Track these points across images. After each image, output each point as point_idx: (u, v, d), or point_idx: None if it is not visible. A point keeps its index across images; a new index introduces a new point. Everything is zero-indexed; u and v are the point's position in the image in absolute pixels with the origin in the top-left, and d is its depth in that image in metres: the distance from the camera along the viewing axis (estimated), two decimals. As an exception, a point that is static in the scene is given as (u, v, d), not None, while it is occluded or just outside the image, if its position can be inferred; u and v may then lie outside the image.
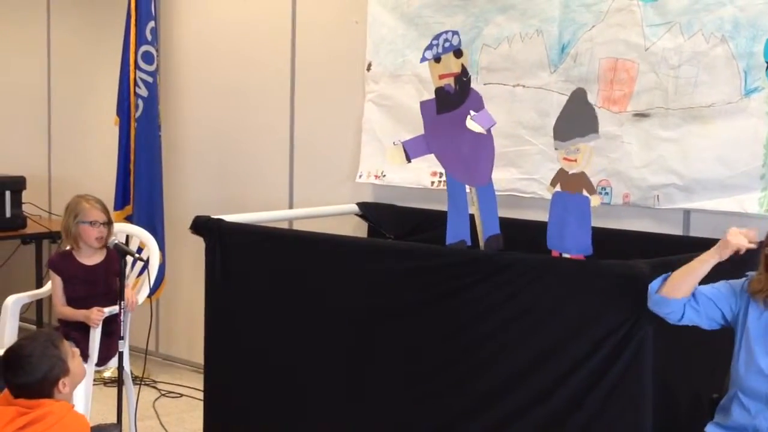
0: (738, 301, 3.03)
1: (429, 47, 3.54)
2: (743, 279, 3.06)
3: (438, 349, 3.53)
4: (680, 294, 2.97)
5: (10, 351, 3.16)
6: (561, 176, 3.32)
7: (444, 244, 3.73)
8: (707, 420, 3.17)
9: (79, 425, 3.09)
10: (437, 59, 3.53)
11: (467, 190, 3.73)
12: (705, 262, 2.96)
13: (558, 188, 3.33)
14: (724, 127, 3.97)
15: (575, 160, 3.29)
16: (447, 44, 3.51)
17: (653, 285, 3.01)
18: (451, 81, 3.50)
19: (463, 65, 3.51)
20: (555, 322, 3.24)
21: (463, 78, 3.49)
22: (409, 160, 3.75)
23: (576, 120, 3.30)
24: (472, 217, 3.79)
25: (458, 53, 3.50)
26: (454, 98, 3.51)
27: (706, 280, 3.02)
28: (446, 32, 3.55)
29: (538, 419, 3.28)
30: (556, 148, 3.36)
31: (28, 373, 3.03)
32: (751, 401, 3.00)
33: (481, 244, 3.76)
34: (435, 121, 3.57)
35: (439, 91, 3.53)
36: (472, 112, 3.46)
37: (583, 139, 3.27)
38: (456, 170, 3.57)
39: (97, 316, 4.36)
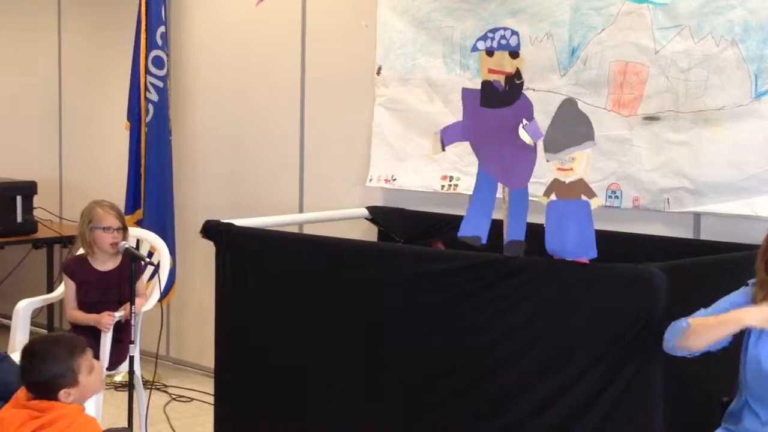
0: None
1: (483, 38, 3.44)
2: (745, 288, 3.04)
3: (447, 354, 3.53)
4: (701, 347, 2.91)
5: (26, 345, 3.21)
6: (556, 186, 3.29)
7: (453, 248, 3.71)
8: (719, 423, 3.16)
9: (90, 428, 3.10)
10: (490, 53, 3.45)
11: (499, 190, 3.62)
12: (736, 327, 2.86)
13: (553, 197, 3.29)
14: (734, 130, 3.97)
15: (571, 169, 3.26)
16: (503, 42, 3.41)
17: (671, 342, 2.93)
18: (501, 78, 3.41)
19: (518, 68, 3.43)
20: (565, 325, 3.24)
21: (515, 80, 3.41)
22: (443, 148, 3.66)
23: (569, 130, 3.27)
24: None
25: (514, 54, 3.42)
26: (502, 96, 3.42)
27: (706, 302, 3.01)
28: (504, 29, 3.43)
29: (549, 421, 3.27)
30: (547, 160, 3.32)
31: (37, 371, 3.05)
32: (760, 407, 3.00)
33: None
34: (477, 112, 3.49)
35: (486, 85, 3.42)
36: (524, 121, 3.37)
37: (578, 148, 3.24)
38: (491, 165, 3.49)
39: (107, 320, 4.37)
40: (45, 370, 3.05)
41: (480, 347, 3.43)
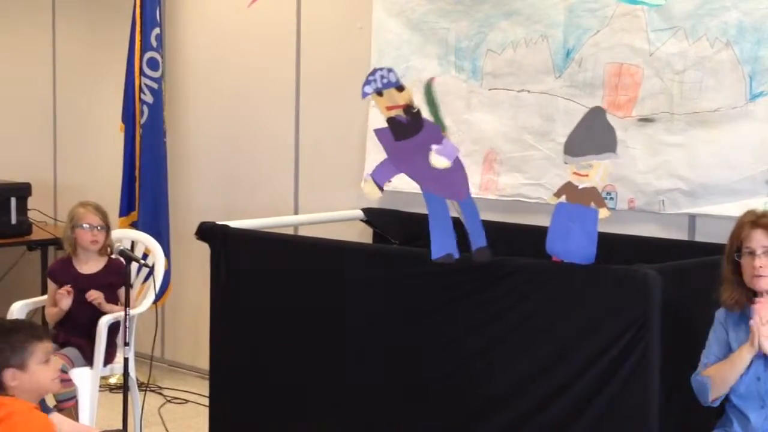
0: (726, 324, 3.12)
1: (367, 83, 3.48)
2: (717, 317, 3.16)
3: (444, 354, 3.53)
4: (728, 387, 3.05)
5: None
6: (568, 188, 3.28)
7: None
8: (713, 424, 3.17)
9: (42, 425, 3.03)
10: (379, 93, 3.49)
11: (449, 203, 3.65)
12: (746, 355, 3.01)
13: (563, 200, 3.30)
14: (729, 132, 3.97)
15: (586, 175, 3.26)
16: (385, 80, 3.46)
17: (705, 399, 3.08)
18: (400, 112, 3.47)
19: (407, 101, 3.47)
20: (561, 327, 3.24)
21: (411, 110, 3.46)
22: (381, 189, 3.67)
23: (592, 137, 3.27)
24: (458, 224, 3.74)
25: (400, 89, 3.47)
26: (409, 127, 3.47)
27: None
28: (380, 69, 3.46)
29: (546, 421, 3.27)
30: (565, 162, 3.32)
31: None
32: (748, 407, 3.05)
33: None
34: (396, 147, 3.52)
35: (392, 121, 3.47)
36: (434, 147, 3.41)
37: (598, 157, 3.24)
38: (431, 186, 3.52)
39: (61, 294, 4.41)
40: None
41: (478, 348, 3.43)
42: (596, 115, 3.31)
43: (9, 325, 3.14)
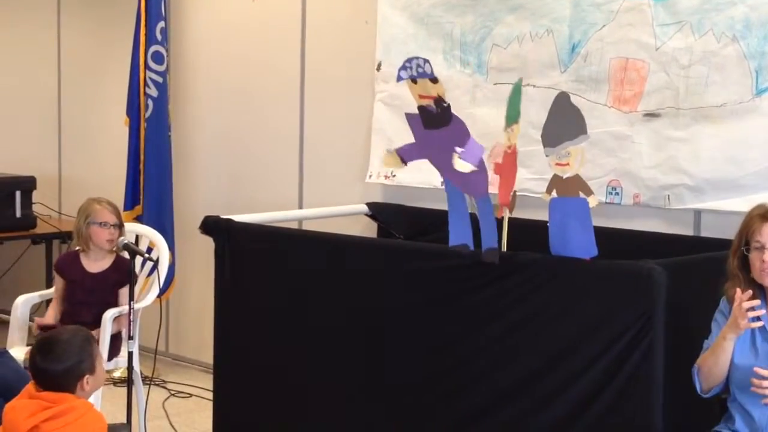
0: (728, 313, 3.09)
1: (403, 68, 3.54)
2: (720, 305, 3.15)
3: (449, 350, 3.52)
4: (721, 378, 3.04)
5: (46, 335, 3.24)
6: (556, 182, 3.30)
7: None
8: (717, 420, 3.17)
9: (98, 424, 3.11)
10: (414, 80, 3.53)
11: (467, 196, 3.69)
12: (726, 342, 3.00)
13: (554, 194, 3.31)
14: (735, 127, 3.96)
15: (567, 164, 3.28)
16: (420, 70, 3.51)
17: (698, 388, 3.08)
18: (431, 102, 3.51)
19: (439, 94, 3.51)
20: (567, 322, 3.24)
21: (442, 104, 3.51)
22: (405, 163, 3.71)
23: (563, 124, 3.29)
24: (474, 218, 3.75)
25: (434, 80, 3.51)
26: (438, 118, 3.51)
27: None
28: (417, 58, 3.53)
29: (550, 417, 3.27)
30: (546, 155, 3.33)
31: (58, 359, 3.04)
32: (748, 402, 3.05)
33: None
34: (424, 134, 3.57)
35: (423, 109, 3.53)
36: (458, 149, 3.45)
37: (572, 142, 3.26)
38: (452, 177, 3.56)
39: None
40: (67, 358, 3.05)
41: (482, 343, 3.43)
42: (561, 101, 3.33)
43: (86, 335, 3.22)
